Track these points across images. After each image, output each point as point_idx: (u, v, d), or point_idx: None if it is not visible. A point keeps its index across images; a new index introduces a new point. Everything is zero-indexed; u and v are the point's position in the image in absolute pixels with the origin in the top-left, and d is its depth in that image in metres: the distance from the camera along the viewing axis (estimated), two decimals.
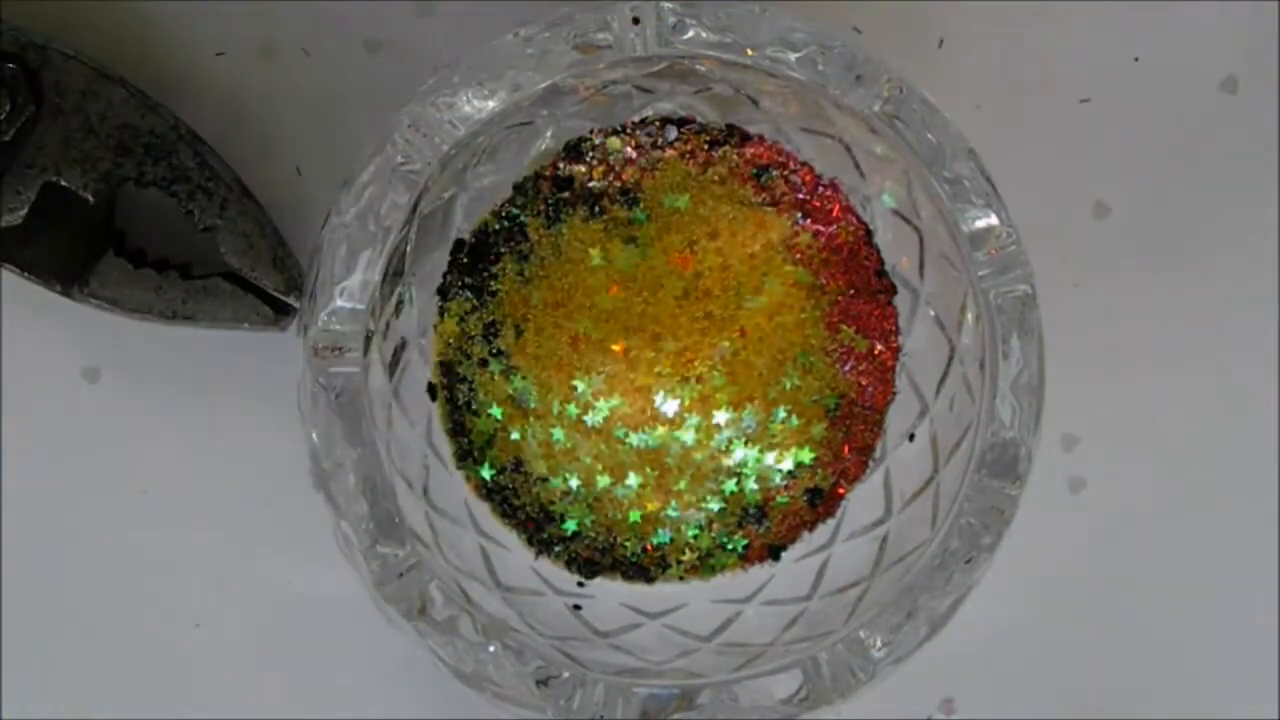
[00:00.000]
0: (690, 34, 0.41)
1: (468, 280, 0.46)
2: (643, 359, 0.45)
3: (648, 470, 0.46)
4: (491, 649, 0.41)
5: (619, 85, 0.44)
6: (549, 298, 0.46)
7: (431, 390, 0.46)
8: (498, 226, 0.46)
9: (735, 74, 0.42)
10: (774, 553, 0.47)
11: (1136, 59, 0.49)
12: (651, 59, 0.41)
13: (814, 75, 0.41)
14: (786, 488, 0.46)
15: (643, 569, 0.47)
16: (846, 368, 0.46)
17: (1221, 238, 0.50)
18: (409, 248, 0.43)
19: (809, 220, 0.46)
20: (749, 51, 0.41)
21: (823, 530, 0.46)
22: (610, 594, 0.46)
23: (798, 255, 0.46)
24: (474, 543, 0.45)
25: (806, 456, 0.46)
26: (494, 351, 0.46)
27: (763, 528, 0.47)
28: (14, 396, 0.48)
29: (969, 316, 0.43)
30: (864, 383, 0.46)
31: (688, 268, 0.45)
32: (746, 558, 0.47)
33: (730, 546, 0.47)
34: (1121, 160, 0.49)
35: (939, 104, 0.41)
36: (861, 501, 0.46)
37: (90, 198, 0.45)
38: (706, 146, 0.46)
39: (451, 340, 0.46)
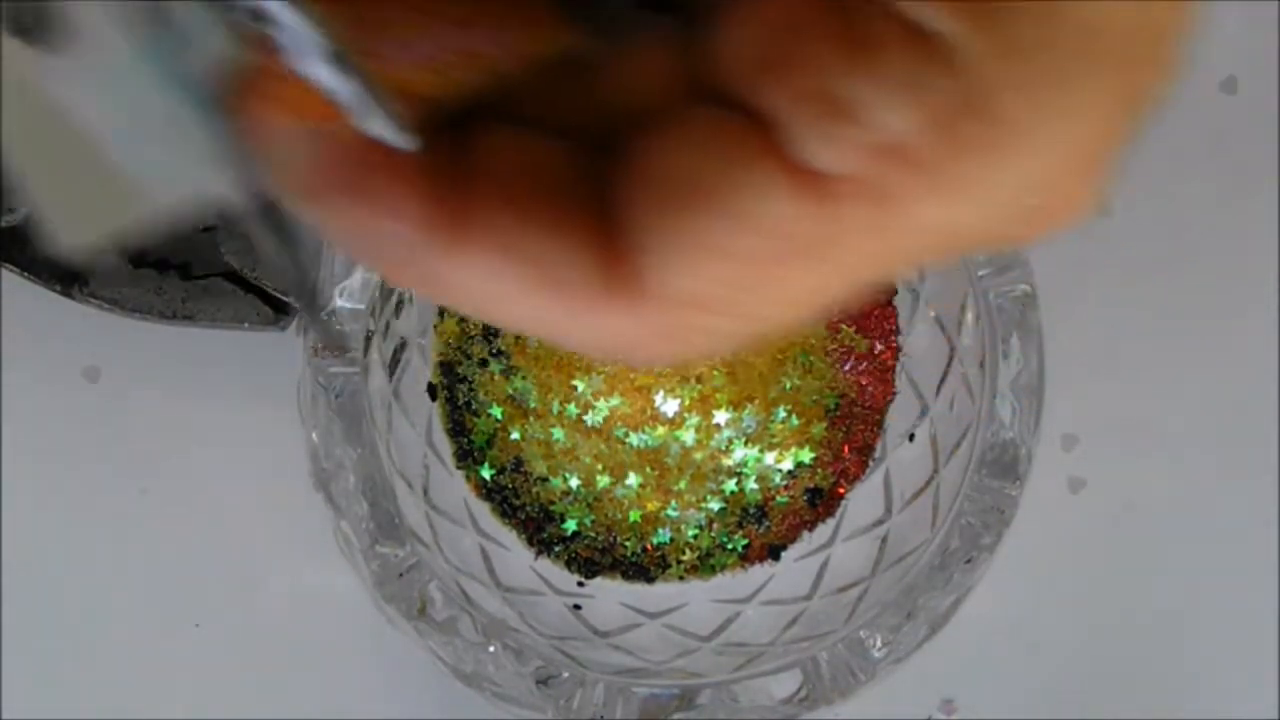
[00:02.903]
0: None
1: None
2: None
3: (648, 470, 0.46)
4: (491, 649, 0.41)
5: None
6: None
7: (431, 390, 0.46)
8: None
9: None
10: (774, 552, 0.46)
11: None
12: None
13: None
14: (786, 487, 0.46)
15: (643, 569, 0.47)
16: (846, 368, 0.46)
17: (1222, 238, 0.50)
18: None
19: None
20: None
21: (823, 530, 0.46)
22: (610, 594, 0.46)
23: None
24: (474, 543, 0.45)
25: (806, 456, 0.46)
26: (494, 351, 0.46)
27: (763, 527, 0.46)
28: (14, 396, 0.48)
29: (969, 316, 0.43)
30: (864, 383, 0.46)
31: None
32: (746, 557, 0.47)
33: (730, 546, 0.47)
34: (1122, 160, 0.49)
35: None
36: (861, 501, 0.46)
37: None
38: None
39: (451, 340, 0.46)
